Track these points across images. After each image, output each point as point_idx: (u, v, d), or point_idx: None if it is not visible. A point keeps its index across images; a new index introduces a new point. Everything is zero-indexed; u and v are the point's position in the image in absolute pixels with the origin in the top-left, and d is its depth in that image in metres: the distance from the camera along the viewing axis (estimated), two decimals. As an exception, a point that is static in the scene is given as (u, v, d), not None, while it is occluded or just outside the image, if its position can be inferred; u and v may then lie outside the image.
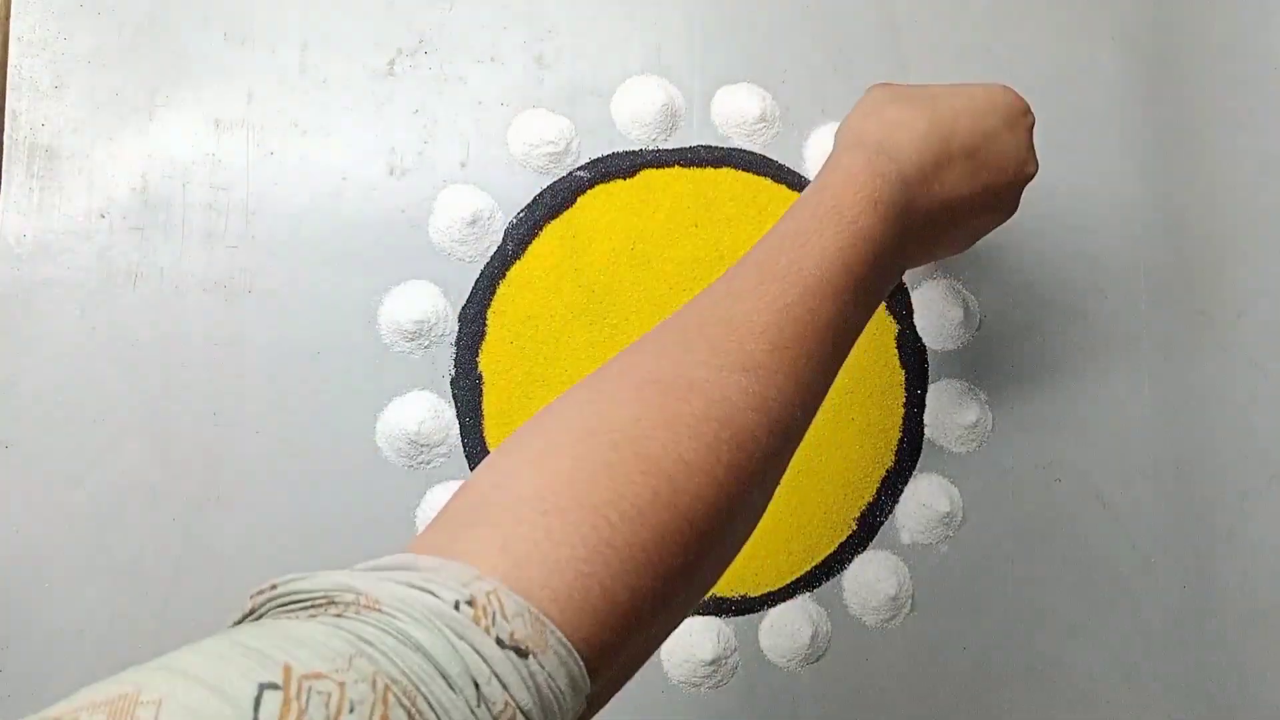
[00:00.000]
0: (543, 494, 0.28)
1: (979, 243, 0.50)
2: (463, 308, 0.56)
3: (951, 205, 0.44)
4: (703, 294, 0.37)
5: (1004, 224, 0.49)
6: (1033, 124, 0.47)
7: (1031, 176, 0.47)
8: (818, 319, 0.35)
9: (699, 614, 0.56)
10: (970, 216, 0.46)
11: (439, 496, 0.54)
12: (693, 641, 0.54)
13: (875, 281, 0.39)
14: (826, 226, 0.37)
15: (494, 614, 0.25)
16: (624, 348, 0.36)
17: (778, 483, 0.36)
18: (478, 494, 0.29)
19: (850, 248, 0.37)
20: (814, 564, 0.57)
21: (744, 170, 0.59)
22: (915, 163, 0.42)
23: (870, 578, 0.57)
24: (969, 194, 0.44)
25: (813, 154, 0.60)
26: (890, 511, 0.58)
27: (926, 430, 0.59)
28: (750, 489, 0.32)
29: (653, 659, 0.53)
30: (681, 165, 0.59)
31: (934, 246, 0.46)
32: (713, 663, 0.54)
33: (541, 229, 0.57)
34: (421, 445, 0.54)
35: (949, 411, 0.59)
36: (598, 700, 0.29)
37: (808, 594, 0.57)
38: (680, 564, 0.29)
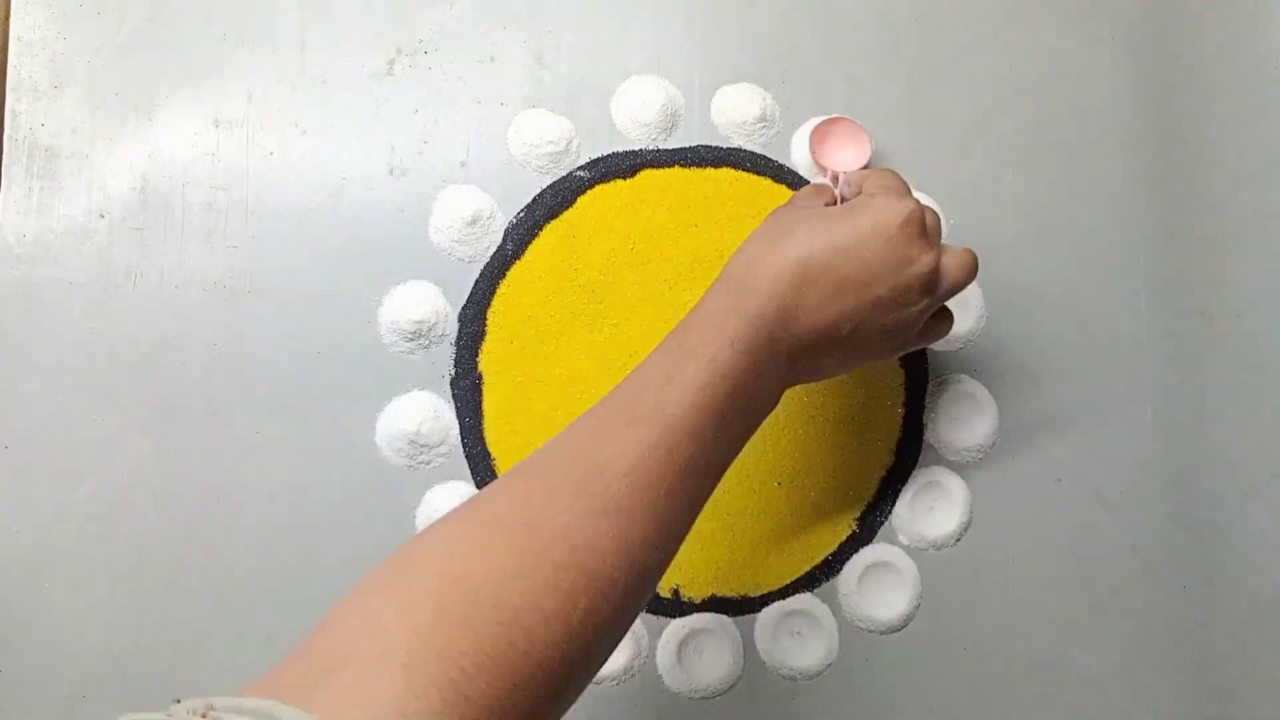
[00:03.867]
0: (405, 645, 0.29)
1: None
2: (462, 308, 0.56)
3: (827, 329, 0.43)
4: (576, 426, 0.39)
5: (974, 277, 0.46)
6: (920, 226, 0.44)
7: (927, 273, 0.44)
8: (678, 457, 0.37)
9: (699, 611, 0.56)
10: (862, 332, 0.44)
11: (439, 496, 0.54)
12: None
13: (743, 413, 0.41)
14: (687, 365, 0.39)
15: None
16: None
17: (633, 619, 0.38)
18: (344, 635, 0.30)
19: (709, 386, 0.39)
20: (814, 564, 0.57)
21: (744, 170, 0.59)
22: (772, 296, 0.42)
23: (870, 578, 0.57)
24: (845, 314, 0.43)
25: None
26: (890, 511, 0.58)
27: (926, 430, 0.59)
28: (604, 631, 0.34)
29: (650, 667, 0.53)
30: (681, 165, 0.59)
31: (826, 366, 0.46)
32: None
33: (541, 229, 0.57)
34: (421, 445, 0.54)
35: (949, 411, 0.59)
36: None
37: (808, 594, 0.57)
38: (533, 708, 0.31)
